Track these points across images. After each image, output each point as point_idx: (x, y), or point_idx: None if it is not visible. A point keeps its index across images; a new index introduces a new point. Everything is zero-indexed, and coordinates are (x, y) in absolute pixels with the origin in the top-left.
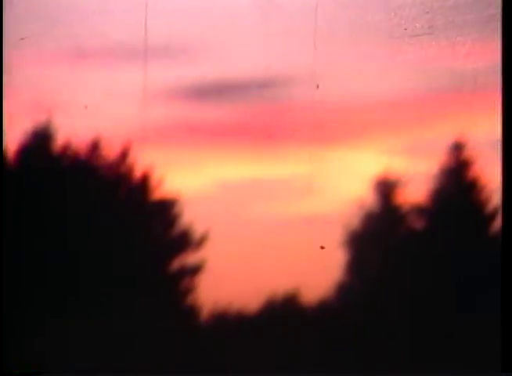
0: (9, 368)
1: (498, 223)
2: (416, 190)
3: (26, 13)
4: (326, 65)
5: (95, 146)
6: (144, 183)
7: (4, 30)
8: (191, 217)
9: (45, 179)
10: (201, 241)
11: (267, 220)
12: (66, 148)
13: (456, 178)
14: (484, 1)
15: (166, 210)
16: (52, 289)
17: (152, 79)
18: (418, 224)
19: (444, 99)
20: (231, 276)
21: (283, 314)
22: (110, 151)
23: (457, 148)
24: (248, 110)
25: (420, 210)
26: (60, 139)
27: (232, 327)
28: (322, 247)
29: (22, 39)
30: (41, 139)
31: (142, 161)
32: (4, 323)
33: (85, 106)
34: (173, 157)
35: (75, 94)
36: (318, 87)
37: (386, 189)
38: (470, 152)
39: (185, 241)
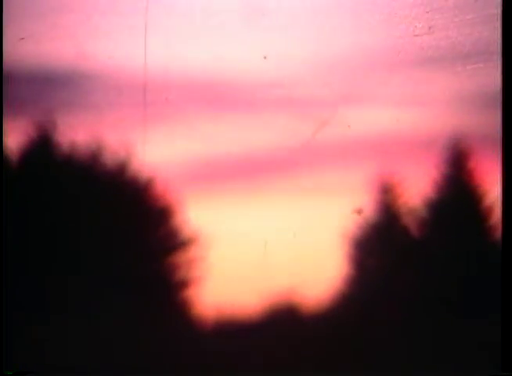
0: (8, 368)
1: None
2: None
3: (26, 13)
4: None
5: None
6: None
7: (4, 30)
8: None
9: (46, 179)
10: (204, 244)
11: None
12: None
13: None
14: (484, 1)
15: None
16: (51, 289)
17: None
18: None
19: None
20: (232, 278)
21: (284, 317)
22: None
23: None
24: None
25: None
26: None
27: (232, 329)
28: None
29: (22, 39)
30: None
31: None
32: (4, 323)
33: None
34: None
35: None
36: None
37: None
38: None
39: (187, 245)
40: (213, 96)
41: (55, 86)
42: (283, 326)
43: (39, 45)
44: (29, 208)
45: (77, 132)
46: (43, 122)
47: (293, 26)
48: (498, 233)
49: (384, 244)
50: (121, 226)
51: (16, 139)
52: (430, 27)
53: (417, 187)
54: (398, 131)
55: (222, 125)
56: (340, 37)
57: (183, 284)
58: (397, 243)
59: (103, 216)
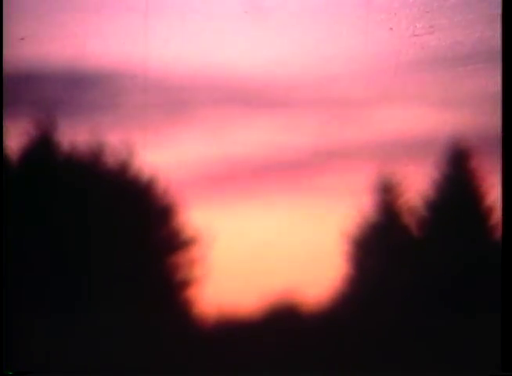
0: (8, 368)
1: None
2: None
3: (26, 13)
4: None
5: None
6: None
7: (4, 30)
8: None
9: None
10: (205, 244)
11: None
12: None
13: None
14: (485, 1)
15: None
16: (52, 289)
17: None
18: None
19: None
20: (233, 278)
21: (284, 316)
22: None
23: None
24: None
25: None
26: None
27: (233, 328)
28: None
29: (22, 39)
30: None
31: None
32: (4, 323)
33: None
34: None
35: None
36: None
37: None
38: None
39: (189, 244)
40: (215, 97)
41: (56, 86)
42: (283, 325)
43: (39, 45)
44: (29, 208)
45: (77, 132)
46: (43, 122)
47: (294, 27)
48: (498, 233)
49: (383, 243)
50: (123, 226)
51: (16, 139)
52: (430, 27)
53: (417, 187)
54: (398, 131)
55: (223, 126)
56: (340, 37)
57: (185, 284)
58: (397, 243)
59: (104, 216)
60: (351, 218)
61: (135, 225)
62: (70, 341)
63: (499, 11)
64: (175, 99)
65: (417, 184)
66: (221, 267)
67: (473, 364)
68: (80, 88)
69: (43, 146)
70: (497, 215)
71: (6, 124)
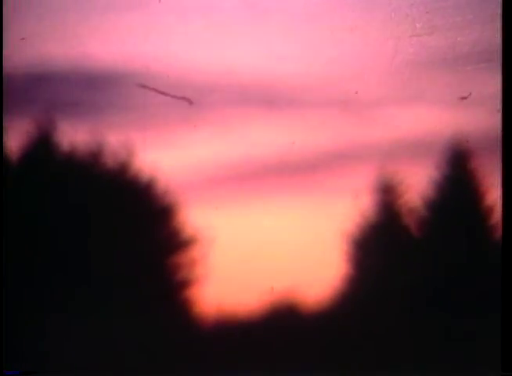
0: (8, 368)
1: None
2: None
3: (26, 13)
4: None
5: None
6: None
7: (4, 30)
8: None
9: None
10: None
11: None
12: None
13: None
14: (484, 1)
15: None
16: (52, 289)
17: None
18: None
19: None
20: (233, 278)
21: (284, 316)
22: None
23: None
24: None
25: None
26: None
27: (232, 328)
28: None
29: (22, 39)
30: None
31: None
32: (4, 323)
33: None
34: None
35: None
36: None
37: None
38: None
39: (189, 244)
40: (215, 97)
41: (56, 86)
42: (283, 325)
43: (39, 45)
44: (29, 208)
45: (77, 132)
46: (43, 122)
47: (293, 27)
48: (498, 233)
49: (383, 243)
50: (122, 226)
51: (16, 138)
52: (430, 27)
53: (417, 187)
54: (398, 131)
55: (223, 126)
56: (339, 37)
57: (185, 284)
58: (397, 243)
59: (104, 216)
60: (351, 218)
61: (135, 225)
62: (70, 341)
63: (499, 11)
64: (175, 99)
65: (417, 184)
66: (221, 267)
67: (473, 364)
68: (80, 88)
69: (43, 146)
70: (497, 215)
71: (6, 124)
